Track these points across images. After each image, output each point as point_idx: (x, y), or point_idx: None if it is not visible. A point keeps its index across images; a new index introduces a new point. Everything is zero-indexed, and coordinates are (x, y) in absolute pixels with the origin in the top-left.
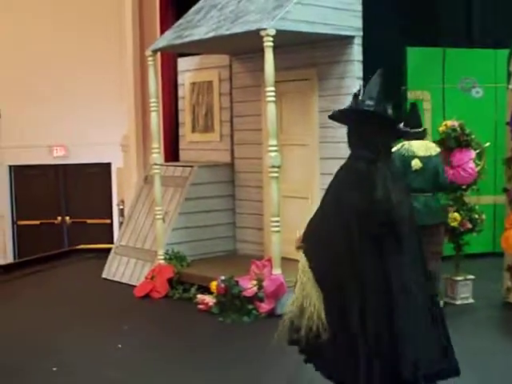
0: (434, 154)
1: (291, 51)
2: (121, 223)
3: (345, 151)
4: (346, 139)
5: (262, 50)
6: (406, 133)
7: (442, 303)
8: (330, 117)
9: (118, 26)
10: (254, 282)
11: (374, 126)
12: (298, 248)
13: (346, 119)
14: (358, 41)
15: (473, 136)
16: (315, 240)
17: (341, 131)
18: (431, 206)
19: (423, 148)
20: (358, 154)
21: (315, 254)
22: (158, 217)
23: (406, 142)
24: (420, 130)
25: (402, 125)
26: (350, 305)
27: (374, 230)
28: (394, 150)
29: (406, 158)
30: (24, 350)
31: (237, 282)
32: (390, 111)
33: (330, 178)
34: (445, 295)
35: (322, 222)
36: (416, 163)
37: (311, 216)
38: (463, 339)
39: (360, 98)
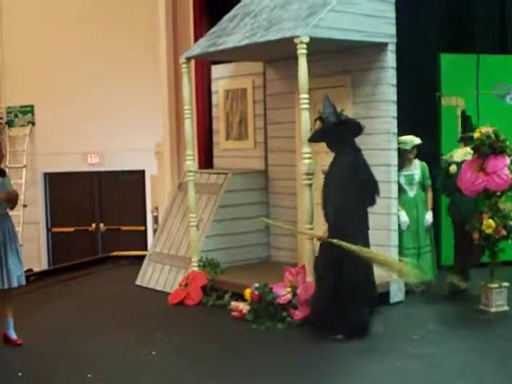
0: (467, 159)
1: (325, 58)
2: (155, 230)
3: (377, 158)
4: (378, 146)
5: (295, 57)
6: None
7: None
8: (310, 140)
9: (152, 34)
10: (288, 289)
11: (343, 131)
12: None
13: (326, 135)
14: (391, 47)
15: (507, 142)
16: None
17: (373, 138)
18: (469, 207)
19: (461, 154)
20: (343, 153)
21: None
22: (192, 224)
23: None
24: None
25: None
26: None
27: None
28: (444, 157)
29: (448, 164)
30: (58, 356)
31: (271, 289)
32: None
33: None
34: (480, 302)
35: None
36: (452, 168)
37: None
38: (498, 347)
39: (324, 115)
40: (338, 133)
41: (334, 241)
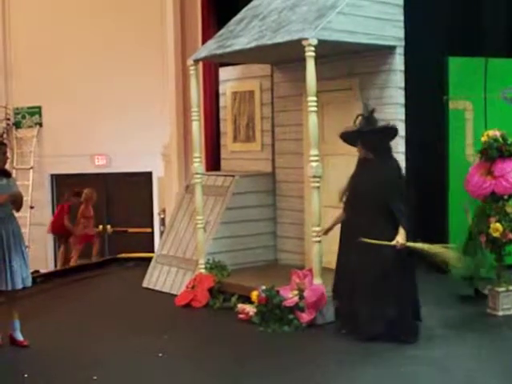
0: None
1: (333, 61)
2: (162, 232)
3: None
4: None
5: (303, 60)
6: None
7: None
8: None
9: (160, 36)
10: (295, 292)
11: (386, 137)
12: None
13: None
14: (399, 50)
15: None
16: None
17: None
18: None
19: None
20: (389, 156)
21: None
22: (199, 226)
23: None
24: None
25: None
26: None
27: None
28: None
29: None
30: (64, 358)
31: (278, 291)
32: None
33: None
34: (487, 306)
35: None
36: None
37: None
38: (506, 350)
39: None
40: (379, 137)
41: (411, 244)
